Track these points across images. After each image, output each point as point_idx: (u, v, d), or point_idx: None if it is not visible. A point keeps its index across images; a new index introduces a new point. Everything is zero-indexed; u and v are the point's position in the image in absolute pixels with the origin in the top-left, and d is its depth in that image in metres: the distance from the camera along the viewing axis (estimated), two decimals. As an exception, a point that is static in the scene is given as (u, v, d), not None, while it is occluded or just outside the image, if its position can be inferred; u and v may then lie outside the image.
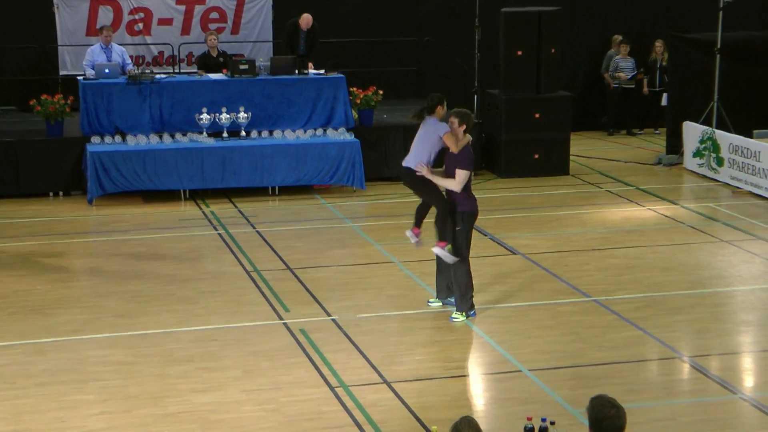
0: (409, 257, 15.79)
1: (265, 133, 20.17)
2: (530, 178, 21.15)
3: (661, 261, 15.84)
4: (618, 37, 25.53)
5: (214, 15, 24.09)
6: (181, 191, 19.57)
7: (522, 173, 21.32)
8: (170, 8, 23.89)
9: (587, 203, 19.40)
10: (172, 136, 19.84)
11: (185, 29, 23.98)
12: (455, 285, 13.31)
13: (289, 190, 19.94)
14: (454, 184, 12.99)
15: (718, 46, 21.55)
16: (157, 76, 20.26)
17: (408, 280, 14.98)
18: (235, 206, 19.13)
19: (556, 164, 21.60)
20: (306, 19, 21.22)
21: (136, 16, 23.70)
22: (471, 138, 13.27)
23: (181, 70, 23.28)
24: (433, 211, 13.47)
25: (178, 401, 11.03)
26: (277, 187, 19.94)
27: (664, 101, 24.44)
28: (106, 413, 10.76)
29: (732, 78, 21.92)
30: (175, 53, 23.73)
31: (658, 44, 25.26)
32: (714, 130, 21.13)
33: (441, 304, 13.73)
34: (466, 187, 13.09)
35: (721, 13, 21.38)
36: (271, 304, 13.96)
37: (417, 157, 13.21)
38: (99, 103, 19.62)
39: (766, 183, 19.35)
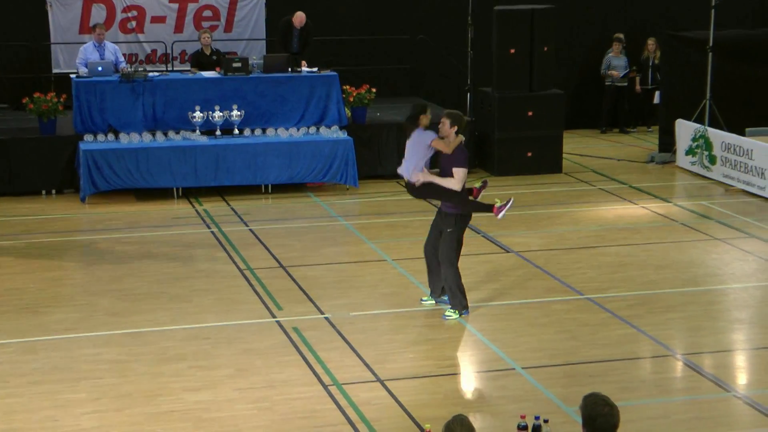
0: (402, 255, 15.80)
1: (258, 131, 20.15)
2: (523, 176, 21.15)
3: (654, 259, 15.85)
4: (619, 35, 25.51)
5: (207, 13, 24.07)
6: (174, 189, 19.55)
7: (515, 171, 21.32)
8: (163, 6, 23.86)
9: (580, 201, 19.41)
10: (165, 134, 19.82)
11: (178, 27, 23.96)
12: (446, 283, 13.31)
13: (282, 188, 19.93)
14: (453, 182, 12.99)
15: (711, 44, 21.56)
16: (150, 74, 20.23)
17: (401, 278, 14.98)
18: (228, 204, 19.12)
19: (549, 162, 21.61)
20: (299, 17, 21.21)
21: (129, 14, 23.67)
22: (464, 138, 13.26)
23: (174, 68, 23.25)
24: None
25: (171, 400, 11.02)
26: (270, 185, 19.92)
27: (656, 99, 24.48)
28: (99, 412, 10.75)
29: (724, 76, 21.95)
30: (168, 51, 23.70)
31: (651, 42, 25.28)
32: (706, 128, 21.15)
33: (434, 302, 13.73)
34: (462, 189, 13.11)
35: (713, 11, 21.39)
36: (264, 303, 13.95)
37: (408, 167, 13.20)
38: (92, 101, 19.59)
39: (759, 181, 19.37)
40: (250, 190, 19.80)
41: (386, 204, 19.22)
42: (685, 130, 21.67)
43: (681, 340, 12.86)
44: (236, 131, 19.98)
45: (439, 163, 13.27)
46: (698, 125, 21.36)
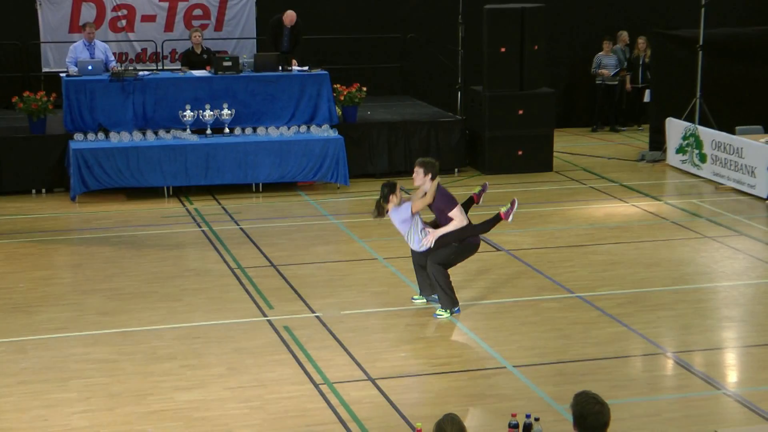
0: (393, 254, 15.80)
1: (248, 130, 20.13)
2: (514, 175, 21.15)
3: (645, 257, 15.87)
4: (623, 33, 25.50)
5: (197, 12, 24.05)
6: (165, 188, 19.53)
7: (506, 170, 21.32)
8: (154, 5, 23.84)
9: (571, 200, 19.42)
10: (156, 133, 19.80)
11: (168, 26, 23.94)
12: (437, 287, 13.31)
13: (273, 187, 19.92)
14: (456, 224, 13.09)
15: (701, 42, 21.59)
16: (141, 72, 20.21)
17: (392, 277, 14.97)
18: (219, 203, 19.10)
19: (539, 161, 21.62)
20: (289, 16, 21.20)
21: (120, 13, 23.64)
22: (438, 180, 13.27)
23: (165, 67, 23.23)
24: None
25: (161, 399, 11.01)
26: (260, 184, 19.91)
27: (647, 97, 24.52)
28: (89, 411, 10.73)
29: (715, 74, 21.98)
30: (159, 50, 23.68)
31: (641, 41, 25.31)
32: (697, 126, 21.17)
33: (425, 300, 13.73)
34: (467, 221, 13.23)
35: (703, 9, 21.41)
36: (254, 301, 13.94)
37: (417, 241, 13.24)
38: (82, 100, 19.57)
39: (749, 179, 19.39)
40: (241, 189, 19.79)
41: (377, 203, 19.19)
42: (675, 128, 21.70)
43: (671, 338, 12.86)
44: (227, 130, 19.96)
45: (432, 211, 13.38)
46: (688, 123, 21.39)
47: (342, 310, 13.60)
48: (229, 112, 19.86)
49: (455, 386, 11.55)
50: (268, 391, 11.17)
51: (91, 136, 19.45)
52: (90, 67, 19.90)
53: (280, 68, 20.52)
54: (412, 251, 13.58)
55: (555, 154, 21.99)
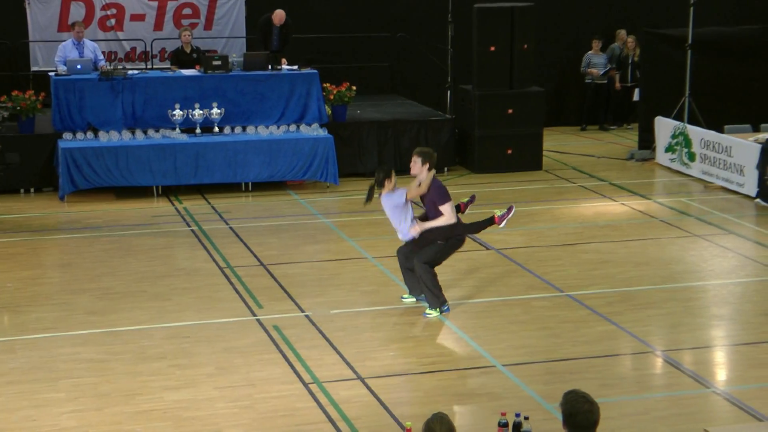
0: (383, 253, 15.79)
1: (238, 129, 20.12)
2: (503, 174, 21.17)
3: (634, 256, 15.88)
4: (622, 32, 25.48)
5: (187, 11, 24.02)
6: (154, 187, 19.51)
7: (495, 169, 21.33)
8: (143, 4, 23.81)
9: (560, 198, 19.43)
10: (145, 132, 19.77)
11: (158, 25, 23.91)
12: (423, 287, 13.31)
13: (263, 186, 19.91)
14: (445, 219, 13.07)
15: (690, 41, 21.62)
16: (130, 72, 20.18)
17: (382, 276, 14.97)
18: (208, 202, 19.08)
19: (529, 159, 21.64)
20: (279, 15, 21.18)
21: (109, 12, 23.61)
22: (434, 171, 13.24)
23: (154, 66, 23.21)
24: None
25: (150, 399, 10.99)
26: (250, 183, 19.90)
27: (636, 96, 24.54)
28: (78, 411, 10.70)
29: (703, 73, 22.01)
30: (148, 49, 23.65)
31: (630, 40, 25.34)
32: (686, 125, 21.19)
33: (414, 300, 13.72)
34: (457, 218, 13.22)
35: (692, 8, 21.44)
36: (244, 301, 13.93)
37: (405, 231, 13.23)
38: (71, 99, 19.54)
39: (738, 177, 19.42)
40: (230, 188, 19.77)
41: (366, 202, 19.19)
42: (664, 127, 21.72)
43: (661, 336, 12.88)
44: (216, 129, 19.94)
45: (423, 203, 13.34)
46: (677, 122, 21.41)
47: (331, 310, 13.59)
48: (219, 111, 19.84)
49: (445, 385, 11.54)
50: (258, 391, 11.16)
51: (80, 135, 19.43)
52: (79, 66, 19.87)
53: (270, 67, 20.50)
54: (398, 253, 13.57)
55: (544, 153, 22.01)
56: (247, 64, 20.40)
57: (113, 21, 23.64)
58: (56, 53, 20.87)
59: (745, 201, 19.03)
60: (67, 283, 14.87)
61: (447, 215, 13.08)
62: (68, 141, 19.28)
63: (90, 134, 19.50)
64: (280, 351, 12.22)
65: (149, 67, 23.15)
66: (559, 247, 16.36)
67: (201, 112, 19.75)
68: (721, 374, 11.87)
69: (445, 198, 13.12)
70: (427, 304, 13.40)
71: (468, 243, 16.19)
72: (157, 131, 19.79)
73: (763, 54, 23.01)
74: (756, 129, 21.07)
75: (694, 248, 16.35)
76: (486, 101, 21.43)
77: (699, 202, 19.04)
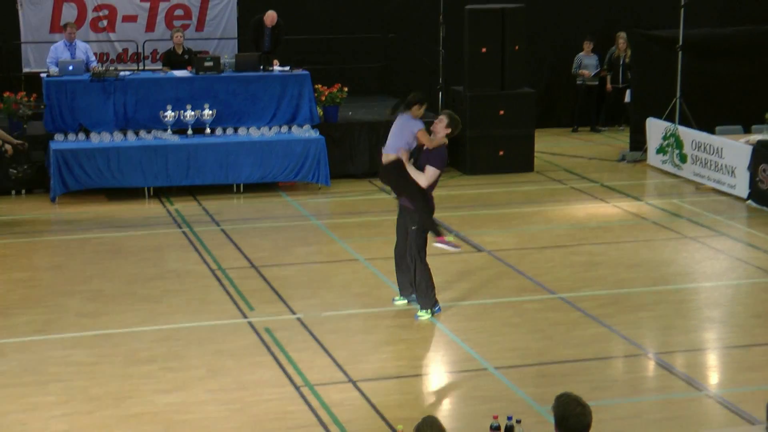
0: (374, 255, 15.78)
1: (230, 130, 20.09)
2: (495, 175, 21.16)
3: (626, 257, 15.88)
4: (622, 34, 25.38)
5: (179, 12, 23.99)
6: (146, 189, 19.48)
7: (487, 170, 21.33)
8: (135, 5, 23.77)
9: (552, 200, 19.43)
10: (137, 134, 19.74)
11: (150, 26, 23.87)
12: (416, 286, 13.29)
13: (254, 188, 19.88)
14: (423, 179, 12.96)
15: (680, 42, 21.63)
16: (122, 73, 20.14)
17: (373, 278, 14.95)
18: (200, 204, 19.06)
19: (520, 161, 21.63)
20: (270, 16, 21.16)
21: (101, 13, 23.57)
22: (447, 141, 13.19)
23: (146, 67, 23.17)
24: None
25: (141, 402, 10.95)
26: (241, 185, 19.87)
27: (627, 98, 24.57)
28: (68, 415, 10.67)
29: (694, 74, 22.03)
30: (140, 50, 23.62)
31: (621, 41, 25.34)
32: (677, 126, 21.21)
33: (406, 302, 13.70)
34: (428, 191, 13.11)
35: (682, 10, 21.45)
36: (235, 303, 13.91)
37: (395, 145, 13.12)
38: (63, 100, 19.49)
39: (729, 179, 19.43)
40: (222, 189, 19.75)
41: (358, 203, 19.20)
42: (655, 128, 21.73)
43: (653, 339, 12.88)
44: (208, 130, 19.92)
45: (416, 157, 13.23)
46: (669, 123, 21.43)
47: (323, 312, 13.57)
48: (210, 112, 19.82)
49: (436, 388, 11.54)
50: (249, 394, 11.14)
51: (71, 136, 19.38)
52: (71, 68, 19.83)
53: (261, 68, 20.48)
54: (396, 253, 13.52)
55: (536, 154, 22.01)
56: (238, 65, 20.38)
57: (105, 22, 23.60)
58: (48, 54, 20.81)
59: (736, 202, 19.05)
60: (57, 285, 14.83)
61: (426, 176, 12.93)
62: (60, 142, 19.24)
63: (81, 135, 19.46)
64: (272, 353, 12.19)
65: (141, 68, 23.11)
66: (551, 249, 16.35)
67: (193, 113, 19.72)
68: (713, 377, 11.87)
69: (439, 165, 12.99)
70: (418, 306, 13.38)
71: (459, 245, 16.23)
72: (148, 132, 19.76)
73: (754, 55, 23.05)
74: (747, 130, 21.09)
75: (685, 250, 16.35)
76: (477, 102, 21.42)
77: (690, 204, 19.04)
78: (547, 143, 23.97)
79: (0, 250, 16.33)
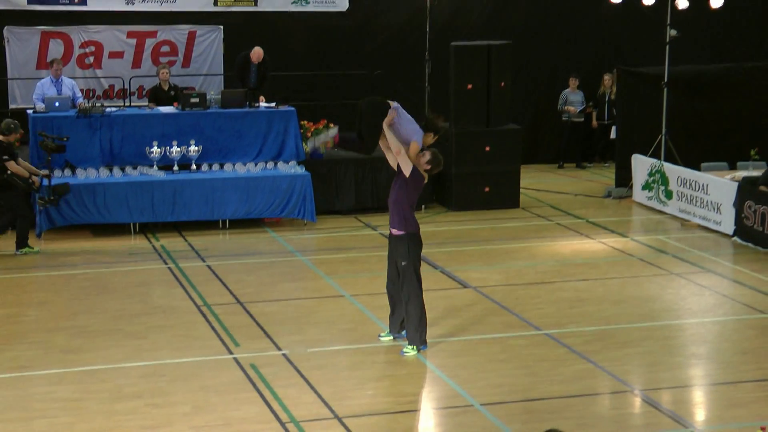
0: (360, 291, 15.77)
1: (215, 166, 20.11)
2: (481, 211, 21.19)
3: (612, 294, 15.89)
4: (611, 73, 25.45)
5: (165, 48, 24.05)
6: (131, 225, 19.45)
7: (472, 206, 21.36)
8: (121, 41, 23.83)
9: (538, 236, 19.45)
10: (123, 169, 19.74)
11: (136, 62, 23.93)
12: (408, 317, 13.26)
13: (240, 224, 19.88)
14: (397, 146, 13.12)
15: (666, 79, 21.74)
16: (108, 109, 20.16)
17: (359, 314, 14.93)
18: (185, 240, 19.03)
19: (506, 197, 21.67)
20: (257, 53, 21.22)
21: (87, 50, 23.62)
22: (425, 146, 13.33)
23: (132, 103, 23.20)
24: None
25: (126, 438, 10.92)
26: (227, 221, 19.86)
27: (613, 134, 24.65)
28: (54, 451, 10.63)
29: (680, 111, 22.15)
30: (126, 86, 23.65)
31: (607, 78, 25.47)
32: (663, 162, 21.28)
33: (392, 338, 13.68)
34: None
35: (668, 47, 21.57)
36: (221, 339, 13.87)
37: (411, 134, 13.26)
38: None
39: (715, 215, 19.49)
40: (208, 225, 19.73)
41: (344, 239, 19.20)
42: (641, 164, 21.81)
43: (639, 375, 12.87)
44: (194, 166, 19.92)
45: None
46: (654, 160, 21.50)
47: (308, 348, 13.54)
48: (196, 148, 19.83)
49: (423, 424, 11.51)
50: (234, 430, 11.09)
51: (57, 172, 19.35)
52: (57, 104, 19.85)
53: (248, 104, 20.52)
54: (388, 285, 13.50)
55: (522, 190, 22.05)
56: (224, 101, 20.42)
57: (91, 58, 23.65)
58: (34, 90, 20.86)
59: (722, 239, 19.09)
60: (43, 321, 14.78)
61: (403, 152, 13.09)
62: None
63: (68, 171, 19.44)
64: (257, 390, 12.15)
65: (127, 104, 23.14)
66: (536, 285, 16.35)
67: (178, 149, 19.73)
68: (699, 414, 11.85)
69: (419, 180, 13.23)
70: (404, 342, 13.36)
71: (445, 281, 16.27)
72: (134, 168, 19.76)
73: (739, 92, 23.16)
74: (732, 167, 21.19)
75: (671, 286, 16.37)
76: (463, 139, 21.47)
77: (676, 240, 19.08)
78: (533, 179, 24.03)
79: (-15, 286, 16.30)
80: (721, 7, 22.23)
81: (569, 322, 14.55)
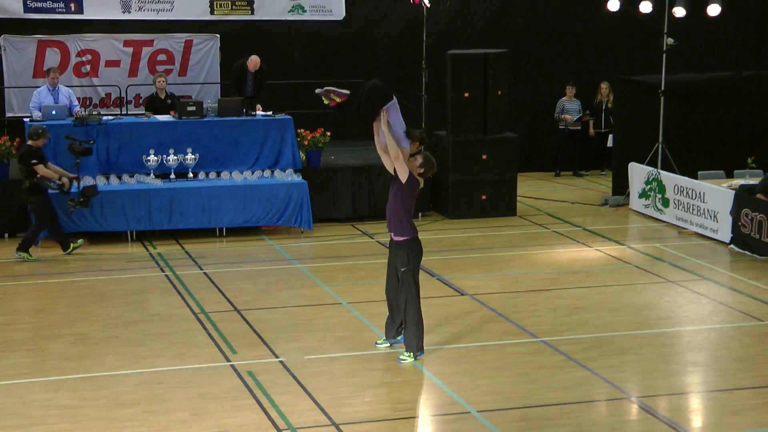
0: (357, 298, 15.77)
1: (212, 175, 20.12)
2: (478, 219, 21.21)
3: (609, 301, 15.90)
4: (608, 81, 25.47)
5: (161, 57, 24.06)
6: (128, 232, 19.46)
7: (469, 214, 21.38)
8: (118, 50, 23.84)
9: (535, 244, 19.46)
10: (119, 178, 19.75)
11: (133, 71, 23.93)
12: (406, 323, 13.27)
13: (237, 232, 19.89)
14: (387, 130, 13.37)
15: (662, 88, 21.77)
16: (105, 117, 20.18)
17: (356, 322, 14.94)
18: (183, 248, 19.04)
19: (503, 205, 21.68)
20: (253, 61, 21.24)
21: (84, 58, 23.63)
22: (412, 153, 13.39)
23: (129, 112, 23.22)
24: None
25: (124, 445, 10.92)
26: (224, 229, 19.87)
27: (609, 142, 24.67)
28: (51, 458, 10.63)
29: (676, 120, 22.19)
30: (123, 95, 23.66)
31: (604, 86, 25.52)
32: (659, 171, 21.30)
33: (389, 345, 13.69)
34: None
35: (664, 56, 21.62)
36: (218, 346, 13.87)
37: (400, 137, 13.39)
38: (45, 144, 19.45)
39: (712, 224, 19.51)
40: (205, 233, 19.74)
41: (341, 247, 19.21)
42: (638, 173, 21.84)
43: (635, 382, 12.87)
44: (190, 174, 19.94)
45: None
46: (651, 168, 21.52)
47: (306, 355, 13.54)
48: (193, 156, 19.84)
49: (420, 431, 11.51)
50: (232, 437, 11.11)
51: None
52: (54, 112, 19.87)
53: (244, 113, 20.54)
54: (387, 292, 13.52)
55: (518, 198, 22.07)
56: (221, 109, 20.44)
57: (88, 67, 23.66)
58: (31, 99, 20.87)
59: (719, 247, 19.12)
60: (40, 329, 14.78)
61: (396, 151, 13.30)
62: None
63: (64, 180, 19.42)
64: (255, 397, 12.16)
65: (124, 112, 23.15)
66: (533, 293, 16.36)
67: (175, 157, 19.75)
68: (696, 421, 11.86)
69: (414, 183, 13.30)
70: (401, 350, 13.36)
71: (442, 289, 16.28)
72: (131, 177, 19.77)
73: (736, 100, 23.21)
74: (729, 175, 21.21)
75: (668, 294, 16.38)
76: (460, 147, 21.49)
77: (673, 248, 19.10)
78: (530, 188, 24.05)
79: (-18, 294, 16.31)
80: (718, 16, 22.29)
81: (566, 330, 14.56)
